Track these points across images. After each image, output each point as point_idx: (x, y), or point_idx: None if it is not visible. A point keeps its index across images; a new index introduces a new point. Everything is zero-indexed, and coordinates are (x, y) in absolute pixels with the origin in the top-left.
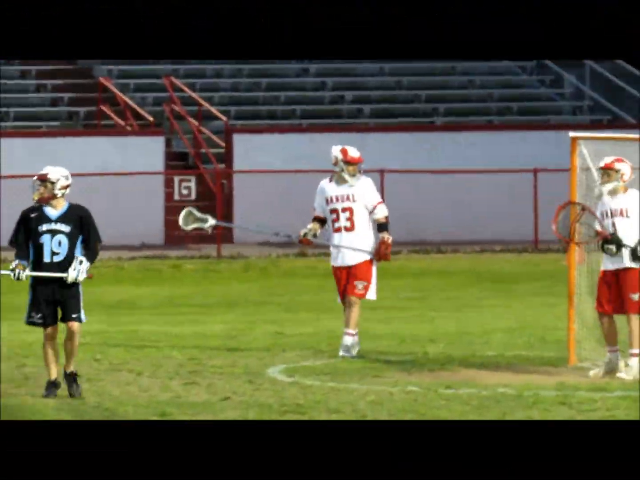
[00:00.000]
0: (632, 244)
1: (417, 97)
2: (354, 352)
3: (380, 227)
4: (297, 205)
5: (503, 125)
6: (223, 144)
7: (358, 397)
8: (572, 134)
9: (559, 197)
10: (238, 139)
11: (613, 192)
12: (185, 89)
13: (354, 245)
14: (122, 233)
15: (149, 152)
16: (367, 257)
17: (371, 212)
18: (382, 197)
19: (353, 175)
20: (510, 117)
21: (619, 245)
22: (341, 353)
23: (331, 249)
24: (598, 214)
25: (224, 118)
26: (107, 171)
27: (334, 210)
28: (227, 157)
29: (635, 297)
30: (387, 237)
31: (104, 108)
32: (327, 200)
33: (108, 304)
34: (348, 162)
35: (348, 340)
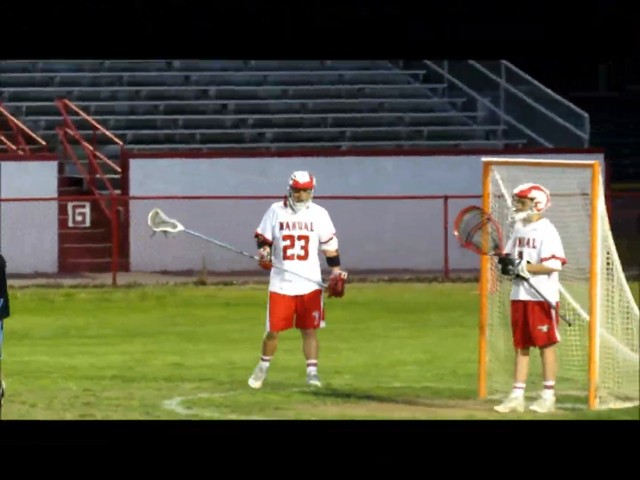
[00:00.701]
0: (513, 258)
1: (323, 120)
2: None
3: (333, 261)
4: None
5: (413, 150)
6: (119, 169)
7: None
8: (484, 159)
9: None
10: (135, 164)
11: (527, 221)
12: (80, 111)
13: (306, 275)
14: (14, 261)
15: (41, 177)
16: (317, 287)
17: (324, 243)
18: None
19: (300, 201)
20: (421, 141)
21: (503, 263)
22: (313, 382)
23: (273, 275)
24: (511, 241)
25: (120, 142)
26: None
27: (288, 237)
28: (123, 183)
29: (544, 328)
30: (342, 272)
31: None
32: (281, 226)
33: None
34: (293, 187)
35: (313, 370)
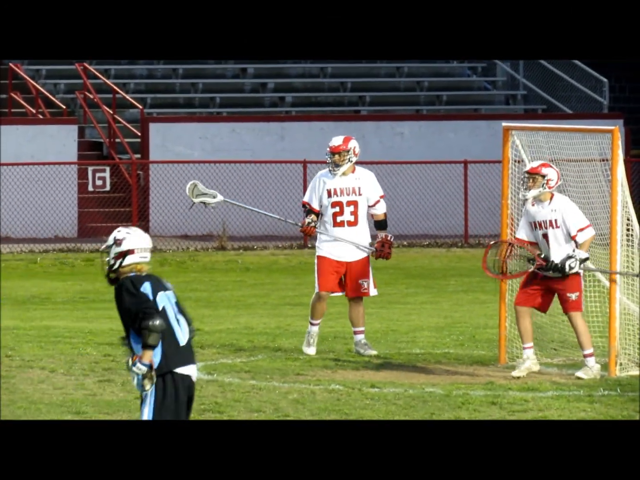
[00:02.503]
0: (559, 260)
1: (342, 85)
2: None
3: (381, 224)
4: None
5: (432, 115)
6: (139, 134)
7: (279, 395)
8: (504, 124)
9: (490, 190)
10: (154, 128)
11: (538, 200)
12: (100, 75)
13: (356, 241)
14: (34, 225)
15: (61, 141)
16: (365, 254)
17: (371, 207)
18: (304, 189)
19: (337, 166)
20: (440, 106)
21: (555, 269)
22: (367, 352)
23: (322, 241)
24: (526, 225)
25: (140, 106)
26: (18, 161)
27: (337, 204)
28: (143, 147)
29: (573, 296)
30: (389, 235)
31: (14, 95)
32: (328, 193)
33: (20, 299)
34: (329, 151)
35: (362, 337)
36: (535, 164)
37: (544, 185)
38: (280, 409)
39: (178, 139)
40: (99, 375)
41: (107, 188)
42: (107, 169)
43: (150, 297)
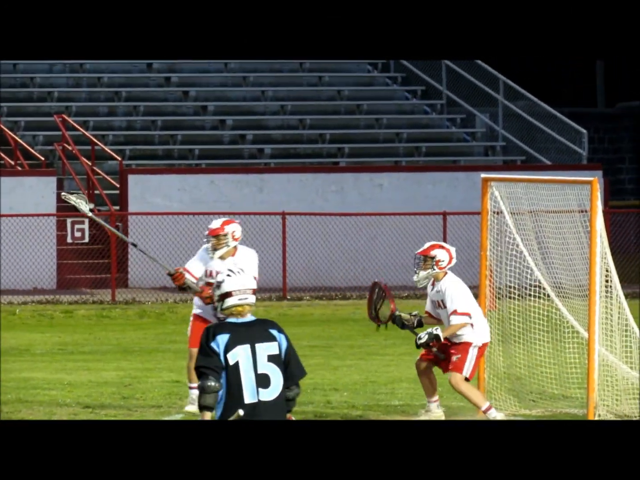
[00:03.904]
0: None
1: (321, 137)
2: None
3: None
4: (196, 249)
5: (411, 167)
6: (117, 185)
7: None
8: (483, 175)
9: (468, 242)
10: (133, 180)
11: (435, 279)
12: (78, 127)
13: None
14: (13, 277)
15: (40, 192)
16: None
17: None
18: (284, 241)
19: (215, 249)
20: (419, 157)
21: (402, 324)
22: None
23: (199, 307)
24: (429, 301)
25: (119, 158)
26: None
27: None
28: (121, 199)
29: (454, 358)
30: None
31: None
32: (206, 272)
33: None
34: (207, 234)
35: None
36: (425, 246)
37: (433, 266)
38: None
39: (157, 190)
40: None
41: (86, 240)
42: (86, 220)
43: (220, 351)
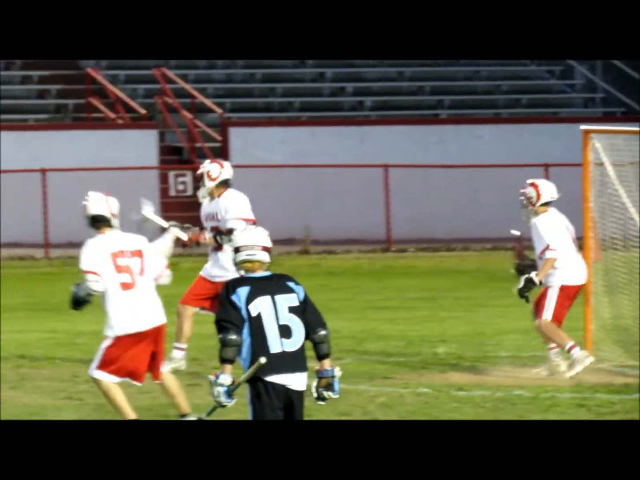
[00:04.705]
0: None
1: (420, 89)
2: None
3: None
4: (298, 201)
5: (512, 119)
6: (219, 138)
7: (367, 399)
8: (583, 127)
9: (570, 193)
10: (234, 133)
11: (527, 219)
12: (178, 80)
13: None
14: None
15: (142, 146)
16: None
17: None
18: (387, 193)
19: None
20: (519, 109)
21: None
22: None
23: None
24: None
25: (219, 111)
26: (98, 166)
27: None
28: (223, 152)
29: None
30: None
31: (93, 100)
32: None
33: None
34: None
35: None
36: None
37: (527, 203)
38: (369, 412)
39: (258, 143)
40: (188, 379)
41: (189, 192)
42: (189, 173)
43: (241, 304)
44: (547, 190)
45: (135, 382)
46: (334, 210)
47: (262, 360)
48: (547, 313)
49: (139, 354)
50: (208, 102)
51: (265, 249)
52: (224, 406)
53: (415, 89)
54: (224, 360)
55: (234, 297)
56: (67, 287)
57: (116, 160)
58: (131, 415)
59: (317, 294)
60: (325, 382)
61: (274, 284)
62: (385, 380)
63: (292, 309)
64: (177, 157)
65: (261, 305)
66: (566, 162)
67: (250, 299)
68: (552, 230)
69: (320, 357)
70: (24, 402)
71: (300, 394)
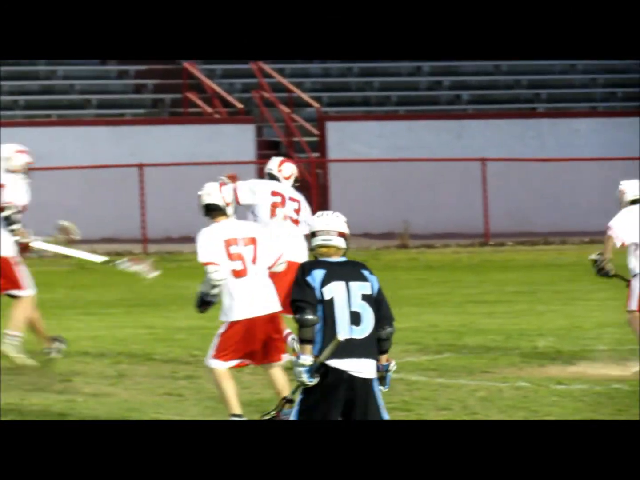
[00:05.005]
0: None
1: (517, 82)
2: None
3: None
4: (396, 195)
5: (608, 112)
6: (316, 132)
7: (467, 393)
8: None
9: None
10: (332, 127)
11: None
12: (275, 74)
13: None
14: None
15: (239, 140)
16: None
17: None
18: (484, 186)
19: None
20: (615, 103)
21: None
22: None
23: None
24: None
25: (317, 105)
26: (195, 160)
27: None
28: (321, 146)
29: None
30: None
31: (190, 95)
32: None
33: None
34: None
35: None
36: None
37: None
38: (469, 406)
39: (356, 137)
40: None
41: None
42: None
43: (316, 286)
44: (630, 189)
45: (251, 364)
46: (432, 204)
47: (340, 337)
48: (631, 304)
49: (252, 340)
50: (305, 96)
51: (342, 234)
52: (307, 385)
53: (512, 83)
54: (302, 341)
55: (309, 278)
56: (164, 282)
57: (213, 155)
58: (236, 410)
59: (415, 288)
60: (379, 375)
61: (348, 270)
62: (484, 375)
63: (364, 297)
64: (275, 151)
65: (335, 290)
66: None
67: (325, 282)
68: (620, 219)
69: (381, 352)
70: (124, 399)
71: (365, 381)
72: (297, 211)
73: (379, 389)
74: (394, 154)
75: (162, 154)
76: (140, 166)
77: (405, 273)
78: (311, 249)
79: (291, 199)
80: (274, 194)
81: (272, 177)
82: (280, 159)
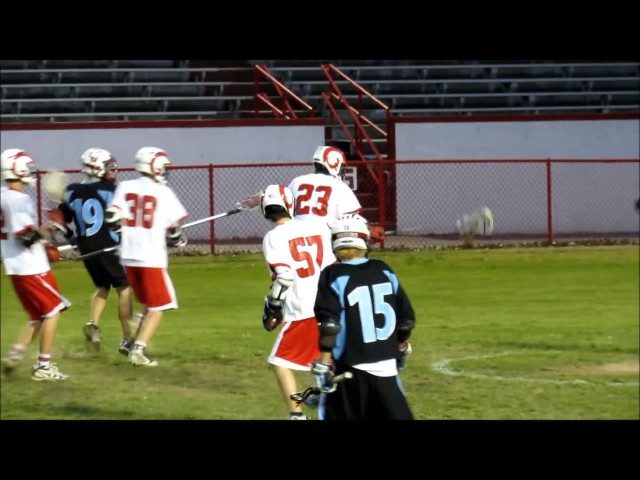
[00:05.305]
0: None
1: (584, 84)
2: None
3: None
4: (464, 197)
5: None
6: (385, 134)
7: (525, 391)
8: None
9: None
10: (400, 129)
11: None
12: (345, 76)
13: None
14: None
15: (309, 141)
16: None
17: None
18: (549, 187)
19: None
20: None
21: None
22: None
23: None
24: None
25: (386, 107)
26: (267, 162)
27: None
28: (389, 147)
29: None
30: None
31: (261, 97)
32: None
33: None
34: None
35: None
36: None
37: None
38: (526, 403)
39: (424, 138)
40: None
41: (355, 187)
42: (355, 169)
43: (340, 292)
44: None
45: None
46: (497, 205)
47: (348, 375)
48: None
49: (313, 340)
50: (375, 98)
51: (362, 235)
52: (322, 392)
53: (579, 85)
54: (323, 349)
55: (333, 286)
56: (232, 282)
57: (283, 156)
58: (295, 409)
59: (479, 287)
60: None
61: (371, 272)
62: (543, 372)
63: (386, 298)
64: (344, 152)
65: (359, 296)
66: None
67: (349, 288)
68: None
69: (400, 340)
70: (188, 397)
71: (387, 380)
72: (323, 200)
73: (401, 384)
74: (461, 155)
75: (232, 155)
76: (211, 167)
77: (469, 273)
78: (333, 251)
79: (320, 188)
80: (300, 187)
81: (319, 166)
82: (325, 147)
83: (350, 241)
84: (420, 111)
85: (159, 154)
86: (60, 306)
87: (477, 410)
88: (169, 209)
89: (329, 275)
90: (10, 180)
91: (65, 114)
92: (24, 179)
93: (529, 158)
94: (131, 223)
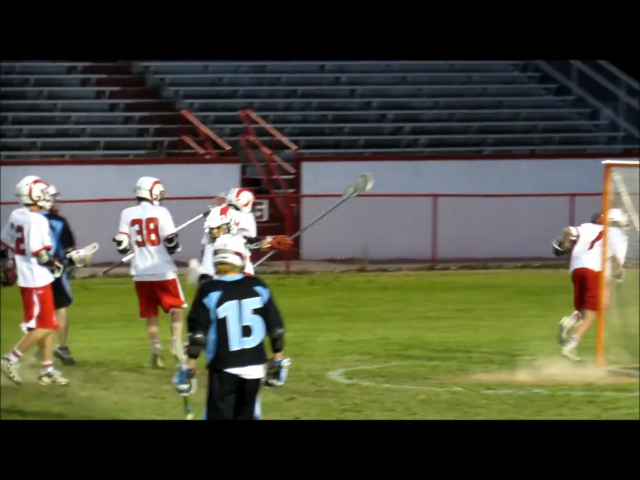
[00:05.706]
0: None
1: (468, 128)
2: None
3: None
4: (361, 227)
5: (545, 154)
6: (293, 171)
7: (409, 397)
8: (605, 161)
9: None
10: (306, 166)
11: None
12: (259, 120)
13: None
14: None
15: (226, 178)
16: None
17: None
18: (434, 220)
19: None
20: (552, 146)
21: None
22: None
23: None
24: None
25: (294, 147)
26: (189, 195)
27: None
28: (296, 183)
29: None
30: None
31: (185, 138)
32: None
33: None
34: None
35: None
36: None
37: None
38: (410, 408)
39: (327, 175)
40: None
41: (266, 218)
42: (265, 202)
43: (211, 307)
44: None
45: None
46: (389, 233)
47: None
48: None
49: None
50: (285, 140)
51: (238, 253)
52: (180, 389)
53: (463, 129)
54: (190, 355)
55: (205, 300)
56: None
57: (203, 191)
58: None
59: (371, 306)
60: (274, 370)
61: (242, 288)
62: (425, 381)
63: (255, 311)
64: (256, 187)
65: (228, 309)
66: (590, 192)
67: (220, 303)
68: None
69: (274, 350)
70: (115, 401)
71: (254, 382)
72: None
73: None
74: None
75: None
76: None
77: (362, 293)
78: (214, 266)
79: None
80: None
81: (232, 205)
82: (237, 189)
83: (226, 257)
84: (324, 151)
85: (156, 182)
86: (29, 324)
87: (367, 413)
88: (165, 226)
89: (203, 291)
90: (28, 205)
91: (13, 152)
92: (39, 203)
93: (418, 193)
94: (140, 244)
